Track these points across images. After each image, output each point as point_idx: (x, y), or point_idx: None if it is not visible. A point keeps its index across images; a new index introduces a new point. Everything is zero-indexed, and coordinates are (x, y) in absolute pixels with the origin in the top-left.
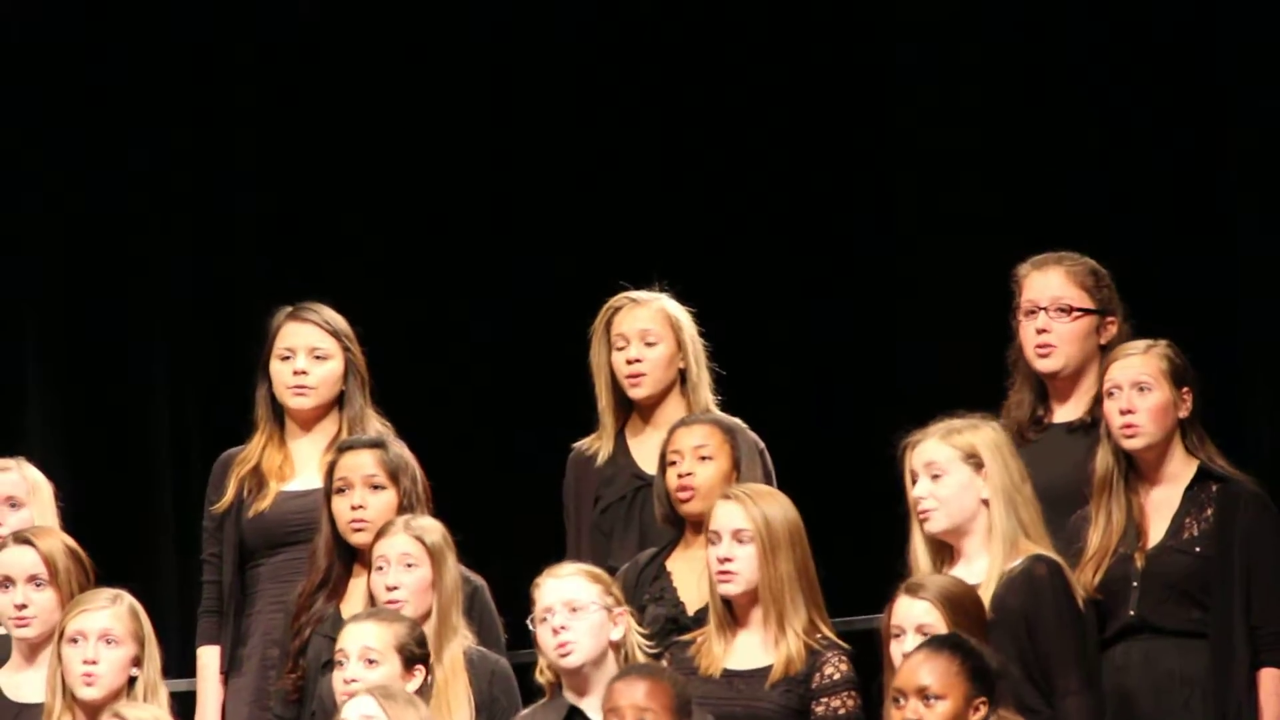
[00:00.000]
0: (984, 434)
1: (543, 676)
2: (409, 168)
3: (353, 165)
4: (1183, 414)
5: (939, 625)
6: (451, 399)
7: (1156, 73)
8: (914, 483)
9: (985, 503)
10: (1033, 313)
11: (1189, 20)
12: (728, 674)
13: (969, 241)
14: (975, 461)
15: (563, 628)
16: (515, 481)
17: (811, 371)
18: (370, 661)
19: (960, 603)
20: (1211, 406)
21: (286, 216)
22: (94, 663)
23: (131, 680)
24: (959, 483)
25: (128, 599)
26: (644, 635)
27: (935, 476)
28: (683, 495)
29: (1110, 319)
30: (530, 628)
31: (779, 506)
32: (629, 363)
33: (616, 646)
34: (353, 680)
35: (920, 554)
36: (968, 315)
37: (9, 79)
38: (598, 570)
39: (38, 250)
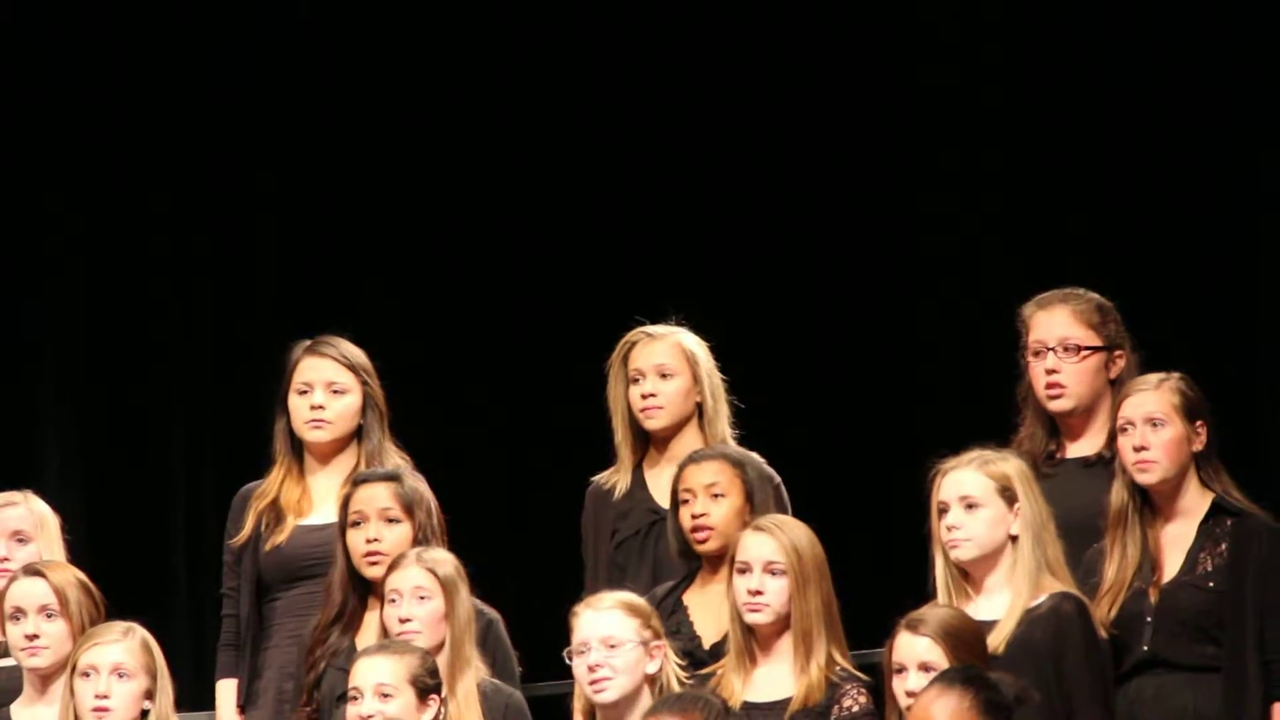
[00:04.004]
0: (1014, 465)
1: (578, 704)
2: (429, 203)
3: (373, 192)
4: (1197, 448)
5: (941, 661)
6: (470, 433)
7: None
8: (941, 512)
9: (1012, 538)
10: (1040, 353)
11: (1208, 57)
12: (747, 706)
13: (987, 274)
14: (1009, 495)
15: (599, 665)
16: (532, 515)
17: (830, 404)
18: (385, 695)
19: (962, 636)
20: (1228, 438)
21: (305, 252)
22: (106, 696)
23: (144, 714)
24: (993, 516)
25: (140, 632)
26: (680, 666)
27: (970, 507)
28: (699, 536)
29: (1118, 353)
30: (566, 659)
31: (807, 538)
32: (644, 397)
33: (651, 680)
34: (369, 716)
35: (943, 587)
36: (989, 347)
37: (29, 120)
38: (638, 602)
39: (57, 286)
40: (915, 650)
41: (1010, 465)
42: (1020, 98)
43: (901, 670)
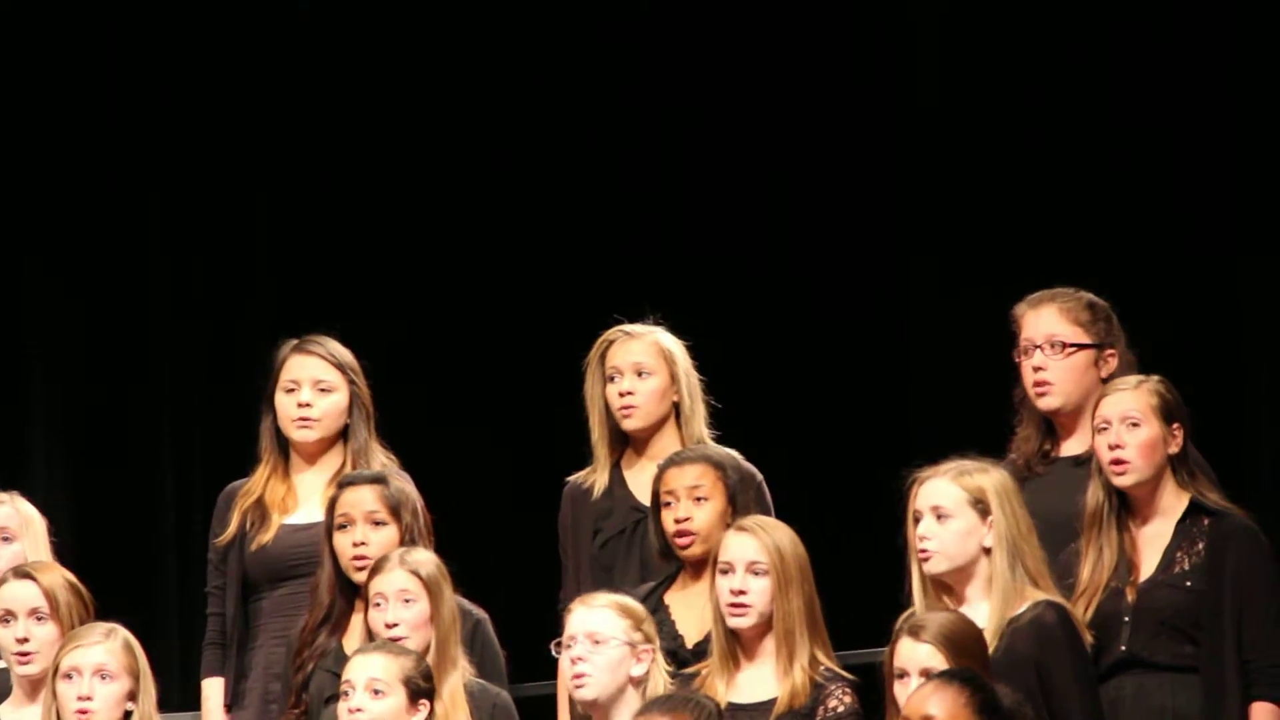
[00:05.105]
0: (993, 479)
1: (562, 699)
2: (422, 204)
3: (365, 192)
4: (1173, 450)
5: (942, 667)
6: (457, 432)
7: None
8: (916, 520)
9: (986, 550)
10: (1029, 351)
11: (1198, 62)
12: (732, 707)
13: (973, 275)
14: (982, 508)
15: (580, 659)
16: (520, 514)
17: (811, 402)
18: (376, 692)
19: (963, 642)
20: (1212, 439)
21: (296, 250)
22: (89, 698)
23: (127, 715)
24: (963, 528)
25: (122, 633)
26: (669, 671)
27: (940, 518)
28: (682, 542)
29: (1109, 351)
30: (553, 651)
31: (789, 539)
32: (621, 395)
33: (637, 682)
34: (358, 710)
35: (919, 592)
36: (974, 347)
37: (24, 119)
38: (632, 605)
39: (45, 286)
40: (917, 656)
41: (988, 478)
42: (1014, 95)
43: (903, 676)
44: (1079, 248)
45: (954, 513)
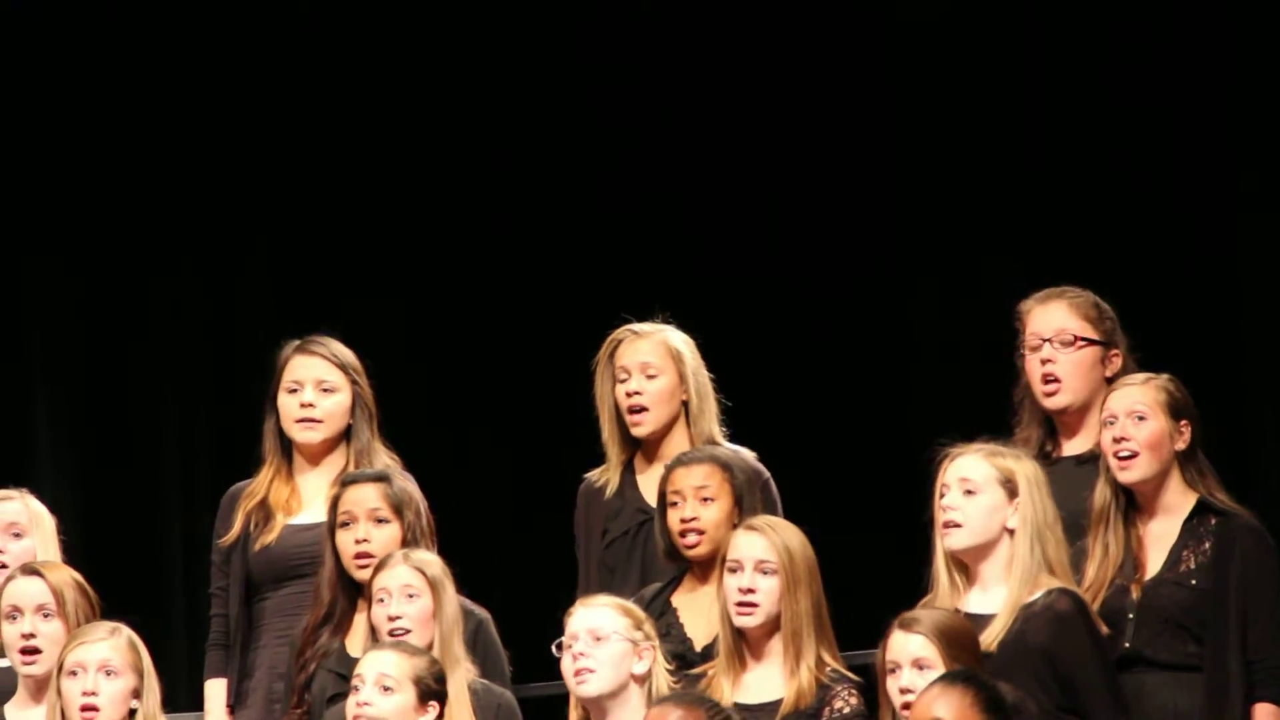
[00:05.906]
0: (1025, 465)
1: (576, 712)
2: (423, 203)
3: (367, 192)
4: (1180, 446)
5: (935, 659)
6: (461, 432)
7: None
8: (943, 494)
9: (1009, 532)
10: (1036, 346)
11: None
12: (738, 708)
13: (975, 266)
14: (1010, 487)
15: (582, 654)
16: (524, 514)
17: (819, 402)
18: (386, 689)
19: (956, 637)
20: (1218, 438)
21: (300, 251)
22: (94, 694)
23: (131, 712)
24: (989, 504)
25: (126, 631)
26: (669, 670)
27: (968, 492)
28: (689, 541)
29: (1114, 351)
30: (554, 651)
31: (798, 539)
32: (630, 395)
33: (640, 680)
34: (365, 704)
35: (943, 569)
36: (978, 342)
37: (21, 119)
38: (631, 606)
39: (48, 287)
40: (909, 648)
41: (1019, 463)
42: (1011, 94)
43: (895, 669)
44: (1079, 248)
45: (981, 489)
